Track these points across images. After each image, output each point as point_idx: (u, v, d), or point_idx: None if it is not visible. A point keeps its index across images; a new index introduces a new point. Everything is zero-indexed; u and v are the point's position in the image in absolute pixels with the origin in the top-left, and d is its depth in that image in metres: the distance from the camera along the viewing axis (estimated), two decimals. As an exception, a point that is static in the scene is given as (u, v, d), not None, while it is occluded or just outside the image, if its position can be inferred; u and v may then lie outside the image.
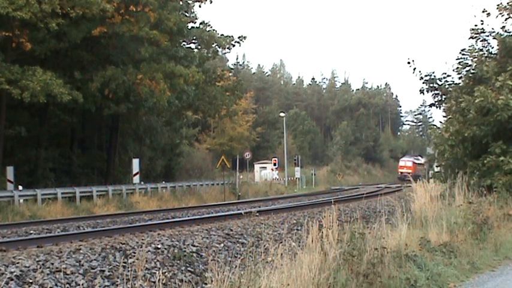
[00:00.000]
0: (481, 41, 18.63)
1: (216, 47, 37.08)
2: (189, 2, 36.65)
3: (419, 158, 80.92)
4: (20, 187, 25.97)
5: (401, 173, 75.60)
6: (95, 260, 9.14)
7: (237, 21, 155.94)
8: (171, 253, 10.06)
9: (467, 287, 8.53)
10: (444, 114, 20.05)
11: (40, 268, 8.32)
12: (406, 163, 78.03)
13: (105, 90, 29.54)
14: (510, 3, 18.39)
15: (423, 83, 19.14)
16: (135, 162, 33.40)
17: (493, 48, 18.65)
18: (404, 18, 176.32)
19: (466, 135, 17.09)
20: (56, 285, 7.85)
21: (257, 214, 15.28)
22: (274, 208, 20.85)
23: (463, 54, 18.62)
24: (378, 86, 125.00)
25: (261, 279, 6.06)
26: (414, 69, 18.97)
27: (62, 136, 35.79)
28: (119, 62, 31.47)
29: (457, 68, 18.60)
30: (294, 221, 15.49)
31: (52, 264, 8.67)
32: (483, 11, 18.35)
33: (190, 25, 36.16)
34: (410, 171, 73.11)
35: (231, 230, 13.06)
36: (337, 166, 75.37)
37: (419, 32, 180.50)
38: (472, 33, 18.57)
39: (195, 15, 38.59)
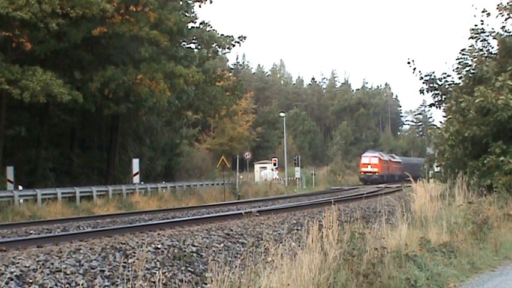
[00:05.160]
0: (481, 41, 18.63)
1: (216, 47, 37.05)
2: (189, 2, 36.63)
3: (382, 153, 68.08)
4: (20, 187, 25.95)
5: (364, 172, 62.14)
6: (95, 260, 9.14)
7: (237, 21, 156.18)
8: (171, 253, 10.06)
9: (467, 287, 8.53)
10: (444, 114, 20.07)
11: (40, 268, 8.31)
12: (370, 160, 62.60)
13: (105, 90, 29.52)
14: (510, 3, 18.40)
15: (423, 83, 19.16)
16: (135, 162, 33.39)
17: (493, 48, 18.68)
18: (404, 18, 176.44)
19: (466, 135, 17.10)
20: (56, 285, 7.84)
21: (257, 214, 15.36)
22: (274, 208, 20.85)
23: (463, 54, 18.64)
24: (378, 86, 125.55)
25: (261, 279, 6.06)
26: (414, 69, 19.01)
27: (62, 136, 35.77)
28: (119, 62, 31.46)
29: (457, 68, 18.62)
30: (294, 221, 15.49)
31: (52, 264, 8.67)
32: (483, 11, 18.37)
33: (190, 25, 36.15)
34: (376, 169, 61.76)
35: (231, 230, 13.05)
36: (337, 166, 75.16)
37: (419, 32, 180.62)
38: (472, 33, 18.57)
39: (195, 15, 38.57)
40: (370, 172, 61.42)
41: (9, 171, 27.01)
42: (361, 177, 62.87)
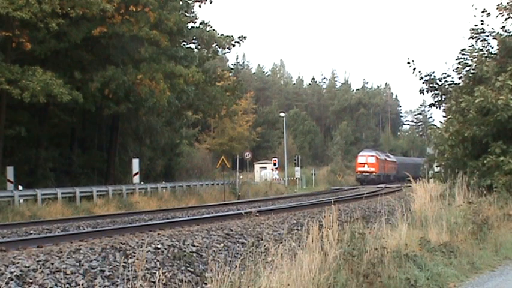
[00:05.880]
0: (481, 41, 18.65)
1: (216, 47, 37.11)
2: (189, 2, 36.65)
3: (379, 152, 65.80)
4: (20, 187, 25.95)
5: (361, 172, 59.90)
6: (95, 260, 9.14)
7: (237, 21, 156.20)
8: (171, 253, 10.06)
9: (467, 287, 8.53)
10: (444, 114, 20.08)
11: (40, 268, 8.31)
12: (367, 159, 60.24)
13: (105, 90, 29.54)
14: (510, 3, 18.41)
15: (423, 83, 19.17)
16: (135, 162, 33.40)
17: (493, 48, 18.70)
18: (404, 18, 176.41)
19: (466, 135, 17.10)
20: (56, 285, 7.84)
21: (257, 214, 15.34)
22: (274, 208, 20.83)
23: (463, 54, 18.65)
24: (378, 86, 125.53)
25: (261, 279, 6.06)
26: (414, 69, 19.03)
27: (62, 136, 35.79)
28: (119, 62, 31.46)
29: (457, 68, 18.64)
30: (294, 221, 15.48)
31: (52, 264, 8.67)
32: (483, 11, 18.38)
33: (190, 25, 36.20)
34: (373, 169, 59.64)
35: (231, 230, 13.05)
36: (337, 166, 75.04)
37: (419, 32, 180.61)
38: (472, 33, 18.59)
39: (195, 15, 38.62)
40: (367, 172, 59.47)
41: (9, 171, 27.01)
42: (357, 178, 60.83)
